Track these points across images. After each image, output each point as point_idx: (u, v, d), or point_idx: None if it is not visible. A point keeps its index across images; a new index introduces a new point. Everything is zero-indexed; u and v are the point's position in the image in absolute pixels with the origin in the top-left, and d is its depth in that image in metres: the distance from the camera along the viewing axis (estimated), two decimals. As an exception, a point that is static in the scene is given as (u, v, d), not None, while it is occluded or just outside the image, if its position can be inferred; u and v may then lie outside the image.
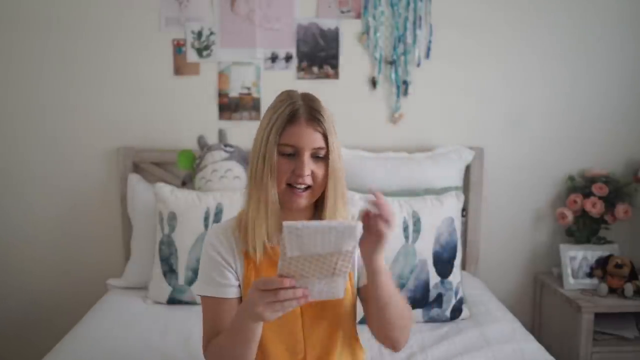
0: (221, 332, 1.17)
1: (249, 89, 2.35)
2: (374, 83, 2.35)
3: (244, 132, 2.30)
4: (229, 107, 2.36)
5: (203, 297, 1.22)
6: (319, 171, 1.16)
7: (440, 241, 1.93)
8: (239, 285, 1.22)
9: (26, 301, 2.43)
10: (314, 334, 1.23)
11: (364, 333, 1.30)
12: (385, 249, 1.11)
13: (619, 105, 2.40)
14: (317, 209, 1.22)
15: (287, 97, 1.19)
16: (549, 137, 2.41)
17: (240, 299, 1.23)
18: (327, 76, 2.34)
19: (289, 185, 1.16)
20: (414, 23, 2.31)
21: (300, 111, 1.15)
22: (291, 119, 1.15)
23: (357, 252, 1.27)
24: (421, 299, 1.88)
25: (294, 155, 1.15)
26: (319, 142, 1.15)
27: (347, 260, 0.98)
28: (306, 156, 1.14)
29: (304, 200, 1.17)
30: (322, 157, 1.16)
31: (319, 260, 0.97)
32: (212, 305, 1.21)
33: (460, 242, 1.99)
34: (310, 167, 1.15)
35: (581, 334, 2.10)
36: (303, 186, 1.15)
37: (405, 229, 1.92)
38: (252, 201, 1.18)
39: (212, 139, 2.23)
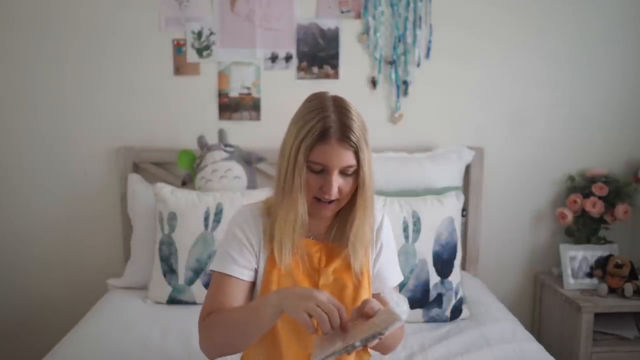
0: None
1: (249, 89, 2.35)
2: (374, 83, 2.35)
3: (244, 132, 2.31)
4: (229, 107, 2.36)
5: (214, 272, 1.21)
6: (347, 186, 1.16)
7: (440, 241, 1.93)
8: (256, 270, 1.22)
9: (26, 301, 2.43)
10: None
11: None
12: None
13: (619, 106, 2.40)
14: (340, 214, 1.23)
15: (319, 107, 1.15)
16: (549, 137, 2.41)
17: (253, 284, 1.22)
18: (327, 76, 2.34)
19: (316, 197, 1.17)
20: (414, 23, 2.31)
21: (332, 130, 1.12)
22: (322, 137, 1.12)
23: (373, 258, 1.29)
24: (421, 299, 1.88)
25: (323, 171, 1.14)
26: (348, 160, 1.13)
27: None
28: (335, 174, 1.13)
29: (330, 211, 1.18)
30: (351, 173, 1.15)
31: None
32: (221, 281, 1.19)
33: (460, 242, 1.99)
34: (338, 184, 1.14)
35: (581, 334, 2.10)
36: (330, 199, 1.16)
37: (405, 229, 1.92)
38: (281, 210, 1.17)
39: (212, 139, 2.22)
